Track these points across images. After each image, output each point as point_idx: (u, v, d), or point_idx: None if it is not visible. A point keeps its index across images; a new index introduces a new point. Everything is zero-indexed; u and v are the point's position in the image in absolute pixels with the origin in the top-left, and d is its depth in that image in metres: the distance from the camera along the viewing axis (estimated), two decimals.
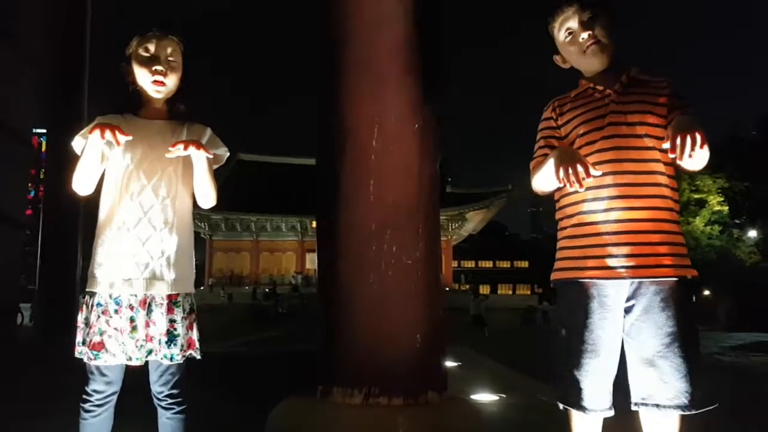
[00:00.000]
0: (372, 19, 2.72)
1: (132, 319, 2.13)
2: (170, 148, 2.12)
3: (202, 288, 46.12)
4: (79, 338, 2.16)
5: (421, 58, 2.76)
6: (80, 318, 2.18)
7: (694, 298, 2.30)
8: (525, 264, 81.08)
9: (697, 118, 1.93)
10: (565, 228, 2.15)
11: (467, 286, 58.05)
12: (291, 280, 48.28)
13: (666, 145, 1.87)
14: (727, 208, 30.95)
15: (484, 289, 62.66)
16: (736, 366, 13.17)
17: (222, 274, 50.67)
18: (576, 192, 2.03)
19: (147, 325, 2.13)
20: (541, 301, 41.34)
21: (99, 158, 2.20)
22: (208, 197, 2.31)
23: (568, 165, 1.94)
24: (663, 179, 2.04)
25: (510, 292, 72.97)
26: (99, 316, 2.12)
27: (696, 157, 1.84)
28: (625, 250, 1.98)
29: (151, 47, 2.28)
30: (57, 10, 8.93)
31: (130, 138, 2.08)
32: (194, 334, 2.25)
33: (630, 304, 2.00)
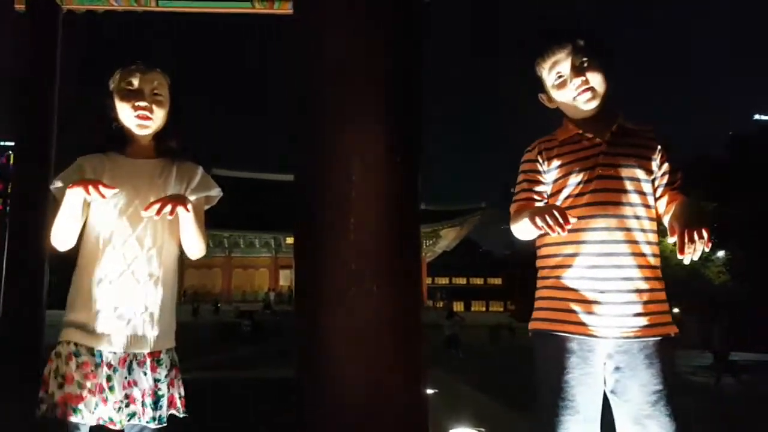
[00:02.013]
0: (353, 51, 2.65)
1: (109, 378, 1.93)
2: (142, 212, 1.94)
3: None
4: (42, 393, 1.92)
5: (403, 90, 2.69)
6: (48, 369, 1.95)
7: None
8: (498, 281, 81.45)
9: (698, 203, 1.97)
10: (547, 278, 2.10)
11: (442, 303, 58.17)
12: (264, 296, 47.83)
13: (672, 239, 1.83)
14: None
15: (458, 306, 62.83)
16: (709, 387, 13.31)
17: (193, 290, 49.97)
18: (560, 244, 1.99)
19: (128, 385, 1.96)
20: (512, 318, 41.83)
21: (80, 212, 2.01)
22: (197, 249, 2.16)
23: (545, 214, 1.88)
24: (650, 236, 2.00)
25: (483, 309, 73.21)
26: (77, 368, 1.91)
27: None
28: (610, 309, 1.93)
29: (135, 81, 2.12)
30: (26, 24, 8.74)
31: (115, 191, 1.92)
32: (176, 391, 2.10)
33: (613, 361, 1.96)
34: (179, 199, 1.98)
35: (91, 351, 1.94)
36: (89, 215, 2.06)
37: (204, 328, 30.07)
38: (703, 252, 1.80)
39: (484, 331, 34.16)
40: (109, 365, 1.95)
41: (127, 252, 2.02)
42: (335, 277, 2.54)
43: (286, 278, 50.94)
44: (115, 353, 1.96)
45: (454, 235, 53.64)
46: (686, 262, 1.81)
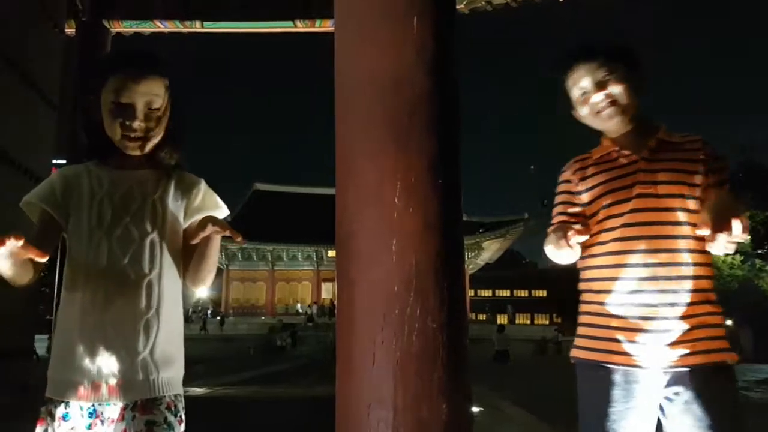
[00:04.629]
0: (393, 73, 2.64)
1: None
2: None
3: (218, 318, 45.99)
4: None
5: (442, 112, 2.67)
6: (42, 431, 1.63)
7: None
8: (543, 293, 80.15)
9: (734, 196, 1.78)
10: (589, 303, 1.98)
11: (485, 316, 57.49)
12: (307, 310, 48.10)
13: (702, 232, 1.72)
14: (749, 237, 30.44)
15: (501, 319, 62.11)
16: (765, 402, 12.75)
17: (239, 304, 50.58)
18: (601, 267, 1.91)
19: None
20: (558, 332, 41.12)
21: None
22: (206, 280, 1.81)
23: (563, 232, 1.84)
24: (697, 257, 1.85)
25: (528, 322, 72.17)
26: None
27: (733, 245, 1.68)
28: (654, 337, 1.80)
29: (127, 94, 1.68)
30: (76, 47, 9.04)
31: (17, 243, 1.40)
32: None
33: (664, 393, 1.82)
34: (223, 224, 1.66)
35: (83, 409, 1.61)
36: (69, 238, 1.71)
37: (240, 343, 30.14)
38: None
39: (529, 344, 33.64)
40: (103, 421, 1.62)
41: (118, 281, 1.64)
42: (378, 299, 2.51)
43: (328, 291, 51.23)
44: (109, 405, 1.62)
45: (497, 247, 53.03)
46: (720, 253, 1.74)
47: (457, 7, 7.10)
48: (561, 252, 1.93)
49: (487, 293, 79.96)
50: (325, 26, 7.97)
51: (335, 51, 2.88)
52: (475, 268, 56.62)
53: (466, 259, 50.80)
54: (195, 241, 1.70)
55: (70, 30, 8.76)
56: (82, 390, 1.59)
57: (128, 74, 1.69)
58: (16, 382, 5.69)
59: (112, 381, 1.60)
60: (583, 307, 2.02)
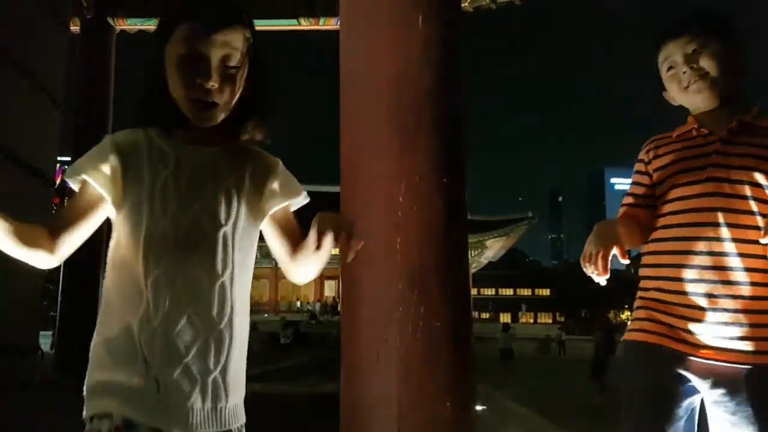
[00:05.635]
0: (398, 71, 2.64)
1: None
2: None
3: None
4: None
5: (447, 112, 2.67)
6: None
7: None
8: (546, 292, 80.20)
9: None
10: (647, 289, 1.89)
11: (488, 314, 57.39)
12: (308, 307, 48.19)
13: (765, 240, 1.63)
14: None
15: (505, 317, 62.15)
16: None
17: None
18: (663, 253, 1.82)
19: None
20: (561, 331, 41.15)
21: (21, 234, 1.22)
22: (308, 277, 1.51)
23: (591, 252, 1.73)
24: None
25: (531, 321, 72.22)
26: None
27: None
28: (711, 329, 1.72)
29: (198, 45, 1.30)
30: (81, 44, 9.07)
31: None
32: None
33: (713, 385, 1.74)
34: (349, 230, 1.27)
35: (139, 428, 1.25)
36: (119, 225, 1.36)
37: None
38: None
39: (533, 343, 33.59)
40: None
41: (185, 284, 1.30)
42: (382, 297, 2.52)
43: (330, 289, 51.26)
44: None
45: (501, 246, 52.72)
46: None
47: (461, 5, 7.11)
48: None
49: (490, 292, 79.99)
50: (329, 24, 8.01)
51: (340, 49, 2.88)
52: (479, 266, 56.52)
53: (469, 258, 50.55)
54: (310, 252, 1.33)
55: (74, 28, 8.77)
56: (127, 413, 1.25)
57: (203, 21, 1.31)
58: (19, 379, 5.70)
59: (171, 405, 1.27)
60: (640, 293, 1.93)
